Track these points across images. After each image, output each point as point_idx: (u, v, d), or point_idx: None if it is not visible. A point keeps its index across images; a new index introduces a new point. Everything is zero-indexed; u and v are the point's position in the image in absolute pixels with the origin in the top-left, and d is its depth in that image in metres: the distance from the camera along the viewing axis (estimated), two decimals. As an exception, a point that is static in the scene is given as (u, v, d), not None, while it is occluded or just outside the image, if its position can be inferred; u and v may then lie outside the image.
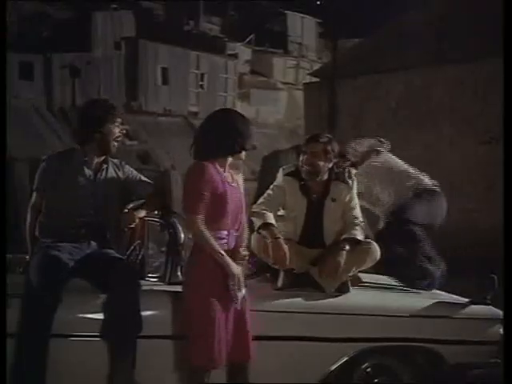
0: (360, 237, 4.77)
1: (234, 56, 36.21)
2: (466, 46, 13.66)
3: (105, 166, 4.56)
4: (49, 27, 31.26)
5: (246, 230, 4.35)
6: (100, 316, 4.15)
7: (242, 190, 4.31)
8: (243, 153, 4.22)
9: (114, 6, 32.17)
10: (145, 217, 4.55)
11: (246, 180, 4.59)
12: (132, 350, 4.12)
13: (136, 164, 22.11)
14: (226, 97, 34.86)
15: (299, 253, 4.72)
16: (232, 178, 4.23)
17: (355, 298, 4.68)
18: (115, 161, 4.66)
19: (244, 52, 37.20)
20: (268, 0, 38.83)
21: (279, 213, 4.93)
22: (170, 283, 4.38)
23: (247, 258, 4.31)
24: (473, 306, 4.78)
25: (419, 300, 4.86)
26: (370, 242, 4.81)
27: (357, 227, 4.82)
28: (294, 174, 4.92)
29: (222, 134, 4.12)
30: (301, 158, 4.89)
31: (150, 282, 4.45)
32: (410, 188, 5.52)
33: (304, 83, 23.05)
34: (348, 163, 5.39)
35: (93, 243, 4.47)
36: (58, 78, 30.04)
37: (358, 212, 4.95)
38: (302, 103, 20.60)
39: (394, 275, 5.28)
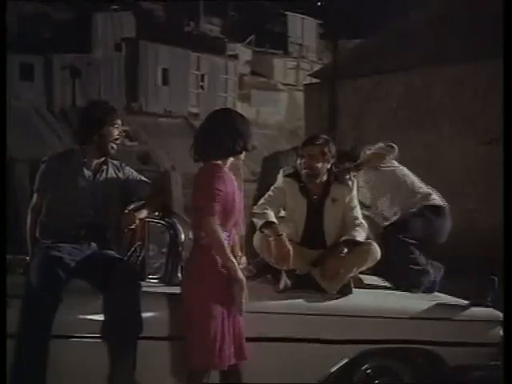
0: (360, 237, 4.75)
1: (235, 57, 36.21)
2: (467, 47, 13.65)
3: (104, 167, 4.56)
4: (49, 28, 31.26)
5: (243, 231, 4.35)
6: (100, 317, 4.14)
7: (241, 191, 4.31)
8: (243, 153, 4.22)
9: (115, 6, 32.17)
10: (145, 218, 4.55)
11: (246, 181, 4.60)
12: (132, 350, 4.12)
13: (136, 165, 22.10)
14: (226, 98, 34.86)
15: (300, 254, 4.72)
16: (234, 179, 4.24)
17: (356, 299, 4.68)
18: (115, 162, 4.66)
19: (244, 53, 37.20)
20: (268, 1, 38.81)
21: (280, 214, 4.93)
22: (170, 284, 4.38)
23: (244, 261, 4.32)
24: (473, 308, 4.77)
25: (420, 302, 4.85)
26: (370, 243, 4.80)
27: (357, 228, 4.81)
28: (294, 175, 4.93)
29: (222, 135, 4.11)
30: (299, 162, 4.89)
31: (151, 283, 4.45)
32: (415, 204, 5.50)
33: (304, 84, 23.05)
34: (348, 164, 5.37)
35: (93, 244, 4.47)
36: (59, 79, 30.04)
37: (358, 212, 4.95)
38: (302, 104, 20.59)
39: (392, 281, 5.28)
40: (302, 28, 40.22)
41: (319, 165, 4.82)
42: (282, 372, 4.39)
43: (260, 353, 4.21)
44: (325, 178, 4.88)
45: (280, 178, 4.98)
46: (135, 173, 4.73)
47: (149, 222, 4.66)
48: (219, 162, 4.11)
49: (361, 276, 5.02)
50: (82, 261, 4.33)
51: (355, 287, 4.78)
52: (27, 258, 4.49)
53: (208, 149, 4.13)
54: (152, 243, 4.75)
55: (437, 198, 5.57)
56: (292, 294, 4.58)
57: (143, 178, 4.73)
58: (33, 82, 29.46)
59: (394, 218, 5.55)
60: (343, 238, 4.75)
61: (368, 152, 5.61)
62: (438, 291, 5.35)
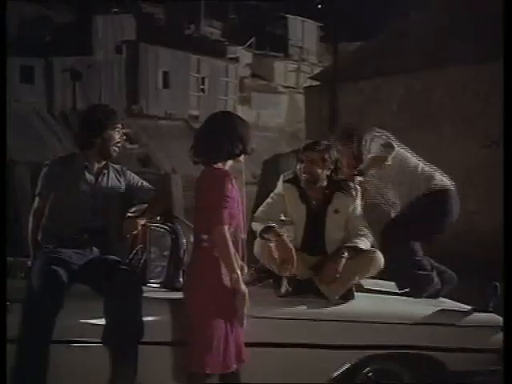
0: (362, 245, 4.72)
1: (235, 60, 36.23)
2: (467, 49, 13.64)
3: (106, 171, 4.56)
4: (50, 31, 31.29)
5: (244, 234, 4.34)
6: (102, 321, 4.14)
7: (243, 194, 4.30)
8: (242, 156, 4.21)
9: (115, 9, 32.20)
10: (147, 222, 4.55)
11: (247, 183, 4.59)
12: (133, 355, 4.11)
13: (137, 167, 22.14)
14: (226, 100, 34.88)
15: (301, 259, 4.70)
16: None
17: (358, 304, 4.67)
18: (116, 166, 4.66)
19: (245, 56, 37.21)
20: (269, 3, 38.85)
21: (281, 217, 4.91)
22: (171, 288, 4.37)
23: (245, 270, 4.31)
24: (475, 314, 4.77)
25: (422, 307, 4.84)
26: (373, 251, 4.77)
27: (361, 237, 4.79)
28: (294, 180, 4.91)
29: (221, 138, 4.10)
30: (298, 167, 4.87)
31: (153, 287, 4.44)
32: (419, 188, 5.42)
33: (305, 87, 23.04)
34: (350, 171, 5.29)
35: (95, 248, 4.46)
36: (59, 82, 30.06)
37: (362, 221, 4.92)
38: (302, 107, 20.58)
39: (397, 284, 5.27)
40: (303, 31, 40.23)
41: (319, 171, 4.80)
42: (283, 377, 4.38)
43: (262, 358, 4.21)
44: (324, 183, 4.87)
45: (280, 183, 4.96)
46: (136, 177, 4.72)
47: (150, 226, 4.66)
48: (220, 165, 4.10)
49: (361, 280, 5.00)
50: (83, 265, 4.33)
51: (355, 291, 4.77)
52: (29, 261, 4.48)
53: (207, 151, 4.12)
54: (153, 246, 4.74)
55: (439, 181, 5.46)
56: (294, 300, 4.57)
57: (144, 182, 4.72)
58: (33, 85, 29.48)
59: (401, 205, 5.49)
60: (345, 244, 4.73)
61: (366, 152, 5.52)
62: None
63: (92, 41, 30.94)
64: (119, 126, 4.55)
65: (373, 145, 5.42)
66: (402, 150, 5.54)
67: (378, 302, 4.87)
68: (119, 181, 4.60)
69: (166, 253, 4.55)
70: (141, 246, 4.76)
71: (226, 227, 3.98)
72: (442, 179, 5.50)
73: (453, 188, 5.50)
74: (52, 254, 4.30)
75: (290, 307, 4.50)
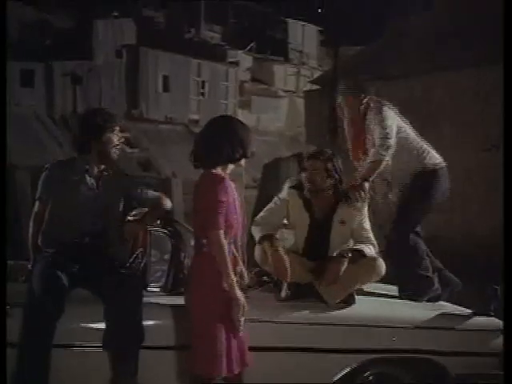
0: (367, 251, 4.72)
1: (235, 63, 36.22)
2: (468, 52, 13.66)
3: (106, 174, 4.55)
4: (50, 35, 31.30)
5: (245, 238, 4.34)
6: (102, 325, 4.13)
7: (242, 198, 4.30)
8: (243, 160, 4.21)
9: (115, 13, 32.21)
10: (147, 226, 4.54)
11: (247, 187, 4.59)
12: (134, 359, 4.11)
13: (137, 171, 22.16)
14: (226, 104, 34.86)
15: (302, 264, 4.71)
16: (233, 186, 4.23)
17: (358, 308, 4.66)
18: (116, 169, 4.65)
19: (245, 59, 37.20)
20: (269, 8, 38.86)
21: (283, 222, 4.91)
22: (172, 293, 4.37)
23: (246, 276, 4.30)
24: (476, 318, 4.77)
25: (423, 311, 4.85)
26: (375, 258, 4.76)
27: (366, 243, 4.79)
28: (299, 187, 4.88)
29: (222, 142, 4.10)
30: (303, 175, 4.86)
31: (154, 292, 4.44)
32: (413, 167, 5.40)
33: (305, 91, 23.05)
34: (354, 180, 5.22)
35: (95, 252, 4.45)
36: (59, 86, 30.05)
37: (368, 230, 4.90)
38: (302, 111, 20.61)
39: (400, 287, 5.27)
40: (303, 35, 40.25)
41: (322, 180, 4.78)
42: (284, 381, 4.38)
43: (263, 362, 4.21)
44: (330, 193, 4.84)
45: (285, 188, 4.94)
46: (137, 180, 4.72)
47: (150, 229, 4.66)
48: (219, 170, 4.10)
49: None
50: (83, 269, 4.32)
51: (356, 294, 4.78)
52: (29, 266, 4.47)
53: (207, 155, 4.12)
54: (154, 250, 4.74)
55: (430, 162, 5.45)
56: (295, 304, 4.57)
57: (145, 186, 4.72)
58: (33, 89, 29.47)
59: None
60: (349, 247, 4.73)
61: (367, 161, 5.46)
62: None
63: (92, 45, 30.92)
64: (117, 128, 4.55)
65: (371, 152, 5.35)
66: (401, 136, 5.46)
67: (379, 305, 4.87)
68: (120, 183, 4.59)
69: (166, 256, 4.56)
70: (141, 249, 4.75)
71: (222, 232, 3.99)
72: (433, 159, 5.48)
73: (442, 169, 5.50)
74: (52, 258, 4.29)
75: (290, 311, 4.50)
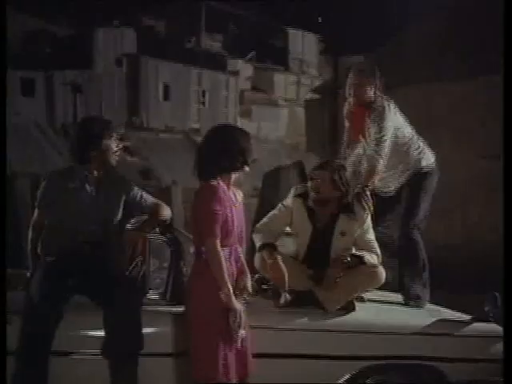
0: (368, 258, 4.70)
1: (236, 73, 36.30)
2: (468, 62, 13.68)
3: (106, 181, 4.54)
4: (50, 44, 31.39)
5: (244, 247, 4.34)
6: (101, 333, 4.13)
7: (242, 207, 4.31)
8: (246, 167, 4.21)
9: (116, 22, 32.30)
10: (147, 234, 4.54)
11: (247, 196, 4.59)
12: (133, 367, 4.10)
13: (137, 180, 22.13)
14: (227, 113, 34.92)
15: (302, 271, 4.71)
16: (235, 195, 4.23)
17: (357, 315, 4.65)
18: (116, 176, 4.64)
19: (245, 68, 37.29)
20: (269, 17, 38.93)
21: (286, 228, 4.91)
22: (171, 300, 4.37)
23: (247, 290, 4.29)
24: (475, 324, 4.76)
25: (421, 317, 4.85)
26: (376, 265, 4.74)
27: (369, 252, 4.77)
28: (305, 196, 4.85)
29: (223, 152, 4.11)
30: (309, 184, 4.84)
31: (152, 298, 4.44)
32: (410, 166, 5.44)
33: (305, 100, 23.08)
34: (354, 190, 5.19)
35: (95, 260, 4.44)
36: (60, 95, 30.14)
37: (372, 239, 4.88)
38: (303, 119, 20.63)
39: (405, 295, 5.28)
40: (303, 44, 40.33)
41: (328, 191, 4.75)
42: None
43: (262, 369, 4.20)
44: (334, 205, 4.80)
45: (290, 196, 4.91)
46: (137, 187, 4.71)
47: (150, 237, 4.65)
48: (215, 181, 4.10)
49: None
50: (83, 276, 4.31)
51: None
52: (28, 273, 4.47)
53: (206, 167, 4.14)
54: (153, 257, 4.74)
55: (424, 162, 5.51)
56: (295, 311, 4.56)
57: (144, 193, 4.71)
58: (34, 98, 29.55)
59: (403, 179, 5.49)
60: (351, 253, 4.73)
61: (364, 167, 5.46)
62: (440, 305, 5.33)
63: (93, 54, 31.05)
64: (114, 134, 4.54)
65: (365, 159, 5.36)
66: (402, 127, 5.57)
67: (378, 312, 4.86)
68: (119, 191, 4.58)
69: (165, 264, 4.56)
70: (140, 257, 4.75)
71: (218, 240, 4.00)
72: (425, 162, 5.53)
73: (433, 169, 5.56)
74: (52, 266, 4.29)
75: (290, 318, 4.49)
